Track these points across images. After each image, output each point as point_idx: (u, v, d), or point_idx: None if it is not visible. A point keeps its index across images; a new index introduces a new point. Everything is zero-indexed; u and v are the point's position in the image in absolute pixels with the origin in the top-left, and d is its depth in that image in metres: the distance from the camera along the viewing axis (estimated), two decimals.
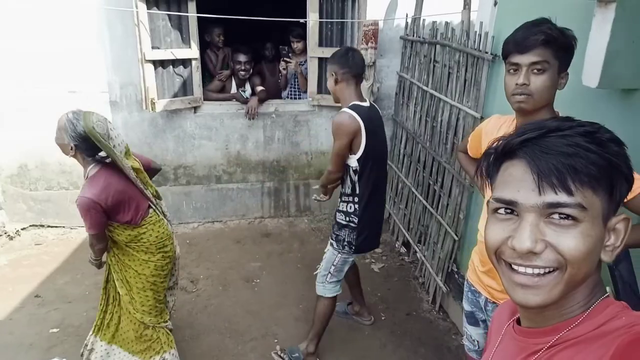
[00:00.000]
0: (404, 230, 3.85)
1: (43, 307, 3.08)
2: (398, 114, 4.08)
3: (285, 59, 4.17)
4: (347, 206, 2.43)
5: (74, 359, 2.51)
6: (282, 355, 2.67)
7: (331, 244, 2.53)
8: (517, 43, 1.45)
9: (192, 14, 3.68)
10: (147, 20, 3.47)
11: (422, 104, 3.50)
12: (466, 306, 1.93)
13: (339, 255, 2.50)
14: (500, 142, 0.70)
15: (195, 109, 4.01)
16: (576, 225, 0.63)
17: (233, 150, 4.17)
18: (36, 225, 4.08)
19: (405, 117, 3.89)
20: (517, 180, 0.66)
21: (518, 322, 0.78)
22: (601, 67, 1.56)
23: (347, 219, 2.43)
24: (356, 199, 2.41)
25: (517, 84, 1.45)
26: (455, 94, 2.96)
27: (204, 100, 4.03)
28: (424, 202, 3.44)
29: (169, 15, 3.59)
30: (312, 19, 3.83)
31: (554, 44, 1.40)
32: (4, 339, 2.78)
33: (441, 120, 3.16)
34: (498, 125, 1.71)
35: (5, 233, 3.93)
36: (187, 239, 4.03)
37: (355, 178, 2.38)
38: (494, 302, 1.73)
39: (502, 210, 0.68)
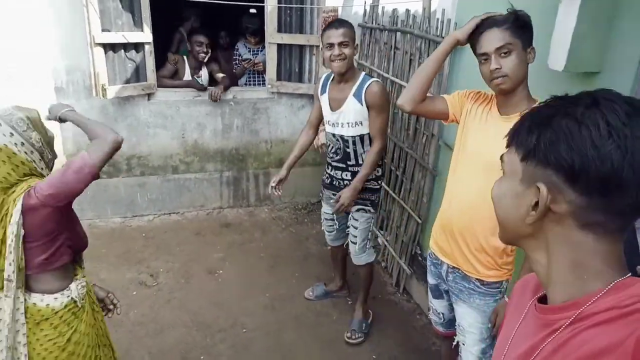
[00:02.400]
0: None
1: None
2: None
3: (252, 64, 4.19)
4: (375, 172, 2.51)
5: None
6: (356, 337, 2.73)
7: (366, 211, 2.58)
8: (477, 39, 1.62)
9: None
10: (97, 1, 3.27)
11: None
12: (430, 280, 2.01)
13: (373, 218, 2.67)
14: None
15: (149, 95, 3.84)
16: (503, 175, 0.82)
17: (190, 139, 4.04)
18: None
19: None
20: None
21: (539, 300, 0.77)
22: (567, 51, 1.63)
23: (378, 182, 2.58)
24: (380, 162, 2.53)
25: (491, 70, 1.57)
26: None
27: (158, 87, 3.86)
28: (386, 187, 3.49)
29: None
30: (271, 4, 3.76)
31: (509, 26, 1.54)
32: None
33: None
34: (474, 98, 1.79)
35: None
36: (143, 232, 3.87)
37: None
38: (454, 269, 1.82)
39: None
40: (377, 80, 2.41)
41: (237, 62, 4.41)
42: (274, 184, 2.65)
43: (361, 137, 2.44)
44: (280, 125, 4.19)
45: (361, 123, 2.41)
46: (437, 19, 2.76)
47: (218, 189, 4.25)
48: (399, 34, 3.27)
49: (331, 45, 2.28)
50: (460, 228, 1.75)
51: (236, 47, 4.45)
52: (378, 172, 2.54)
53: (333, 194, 2.59)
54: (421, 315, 3.00)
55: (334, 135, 2.50)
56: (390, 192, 3.42)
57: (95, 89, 3.45)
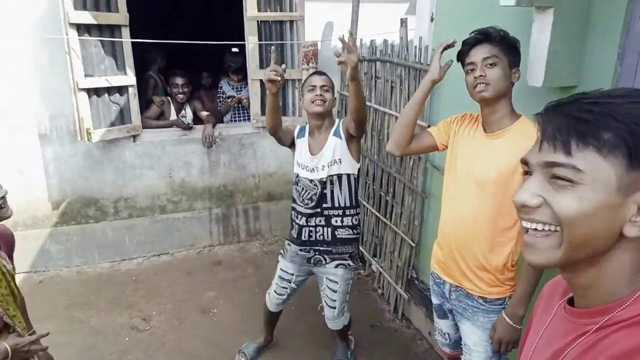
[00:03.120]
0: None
1: None
2: None
3: (237, 101, 4.28)
4: (352, 219, 2.37)
5: None
6: None
7: (346, 266, 2.40)
8: (467, 46, 1.68)
9: (126, 39, 3.56)
10: (79, 47, 3.30)
11: (367, 119, 3.60)
12: (434, 299, 2.01)
13: (353, 278, 2.49)
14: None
15: (135, 137, 3.84)
16: (573, 186, 0.63)
17: (177, 178, 4.02)
18: None
19: None
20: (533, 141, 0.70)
21: (569, 302, 0.76)
22: (544, 68, 1.71)
23: (355, 231, 2.41)
24: (358, 210, 2.42)
25: (475, 77, 1.64)
26: (400, 106, 3.08)
27: (143, 128, 3.87)
28: (377, 213, 3.50)
29: (101, 41, 3.44)
30: (252, 42, 3.85)
31: (500, 41, 1.63)
32: None
33: (387, 133, 3.27)
34: (460, 121, 1.86)
35: None
36: (133, 275, 3.78)
37: (356, 186, 2.39)
38: (457, 288, 1.82)
39: (523, 172, 0.72)
40: None
41: (221, 99, 4.46)
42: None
43: (339, 176, 2.31)
44: (267, 159, 4.21)
45: (340, 161, 2.30)
46: (415, 47, 2.85)
47: (207, 227, 4.21)
48: (378, 63, 3.37)
49: (313, 88, 2.27)
50: (459, 247, 1.76)
51: (220, 85, 4.52)
52: (355, 220, 2.39)
53: (301, 250, 2.42)
54: (422, 340, 2.96)
55: (311, 181, 2.33)
56: (382, 217, 3.43)
57: (79, 134, 3.45)
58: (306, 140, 2.38)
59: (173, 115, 4.07)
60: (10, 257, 1.77)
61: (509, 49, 1.63)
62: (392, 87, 3.19)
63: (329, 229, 2.35)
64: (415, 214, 2.98)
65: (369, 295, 3.51)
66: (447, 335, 2.02)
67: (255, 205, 4.28)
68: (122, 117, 3.71)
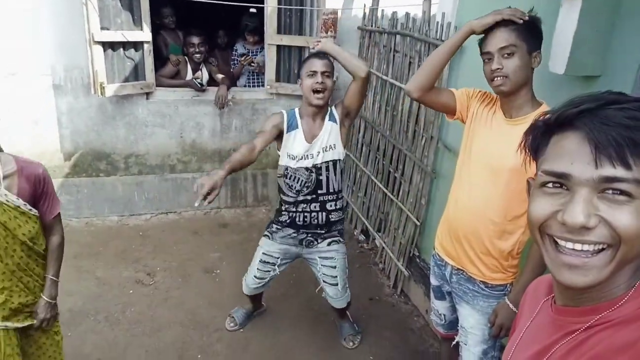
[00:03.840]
0: (363, 219, 3.91)
1: None
2: None
3: (249, 61, 4.17)
4: (341, 202, 2.43)
5: None
6: (355, 340, 2.72)
7: (338, 242, 2.47)
8: (484, 38, 1.62)
9: None
10: None
11: (382, 93, 3.56)
12: (433, 281, 2.02)
13: (345, 246, 2.54)
14: (551, 114, 0.67)
15: (148, 94, 3.83)
16: (631, 201, 0.60)
17: (188, 139, 4.04)
18: None
19: (364, 106, 3.93)
20: (571, 153, 0.63)
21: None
22: (568, 55, 1.65)
23: (343, 213, 2.47)
24: (342, 194, 2.44)
25: (492, 70, 1.58)
26: None
27: (157, 86, 3.86)
28: (384, 189, 3.50)
29: None
30: (271, 5, 3.77)
31: (517, 27, 1.55)
32: None
33: (402, 109, 3.23)
34: (481, 99, 1.79)
35: None
36: (141, 230, 3.86)
37: (341, 172, 2.38)
38: (458, 271, 1.82)
39: (550, 184, 0.65)
40: None
41: (235, 62, 4.41)
42: (204, 192, 1.96)
43: (333, 162, 2.30)
44: None
45: (334, 147, 2.29)
46: (437, 23, 2.78)
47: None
48: (398, 36, 3.29)
49: (314, 73, 2.16)
50: (465, 231, 1.75)
51: (234, 48, 4.46)
52: (343, 202, 2.49)
53: (293, 232, 2.39)
54: (419, 317, 3.01)
55: (307, 169, 2.27)
56: (389, 193, 3.43)
57: (93, 87, 3.45)
58: (300, 130, 2.28)
59: (189, 76, 4.04)
60: (37, 196, 1.71)
61: (529, 31, 1.56)
62: (410, 62, 3.13)
63: (324, 214, 2.36)
64: (423, 193, 2.98)
65: (369, 268, 3.55)
66: (442, 316, 2.04)
67: (264, 172, 4.30)
68: (136, 73, 3.70)
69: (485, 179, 1.68)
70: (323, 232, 2.40)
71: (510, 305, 1.66)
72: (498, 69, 1.56)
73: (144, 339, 2.66)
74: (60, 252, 1.83)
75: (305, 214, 2.35)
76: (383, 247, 3.50)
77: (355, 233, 4.01)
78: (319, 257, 2.45)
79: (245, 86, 4.36)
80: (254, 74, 4.37)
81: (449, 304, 1.99)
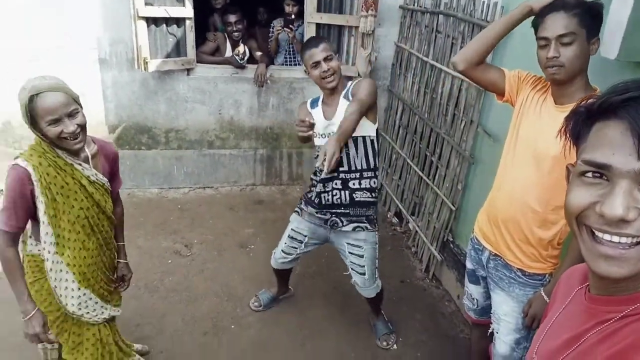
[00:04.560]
0: (396, 201, 3.89)
1: None
2: (394, 85, 4.06)
3: (286, 26, 4.07)
4: (370, 182, 2.29)
5: None
6: (390, 340, 2.64)
7: (364, 228, 2.34)
8: (541, 19, 1.53)
9: None
10: None
11: (422, 75, 3.49)
12: (468, 264, 2.01)
13: (377, 236, 2.42)
14: (594, 99, 0.65)
15: (189, 71, 3.90)
16: None
17: (226, 116, 4.10)
18: None
19: (402, 88, 3.87)
20: (613, 143, 0.61)
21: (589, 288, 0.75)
22: (621, 40, 1.57)
23: (373, 194, 2.32)
24: (376, 173, 2.31)
25: (547, 57, 1.51)
26: None
27: (197, 62, 3.92)
28: (420, 173, 3.47)
29: None
30: None
31: (578, 13, 1.46)
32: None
33: (442, 92, 3.16)
34: (533, 84, 1.72)
35: None
36: (179, 204, 3.98)
37: (375, 148, 2.27)
38: (496, 256, 1.80)
39: (590, 174, 0.63)
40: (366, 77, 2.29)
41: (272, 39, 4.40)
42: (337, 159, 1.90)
43: (354, 139, 2.21)
44: None
45: None
46: (483, 2, 2.68)
47: (252, 166, 4.31)
48: (441, 16, 3.21)
49: (317, 64, 2.14)
50: (505, 218, 1.72)
51: (272, 25, 4.43)
52: (373, 183, 2.29)
53: (317, 212, 2.35)
54: (450, 302, 3.00)
55: None
56: (425, 177, 3.40)
57: (137, 62, 3.53)
58: (320, 109, 2.29)
59: (228, 52, 4.08)
60: (112, 171, 1.86)
61: (590, 17, 1.47)
62: (452, 43, 3.05)
63: (347, 192, 2.27)
64: (460, 178, 2.93)
65: (402, 252, 3.56)
66: (475, 301, 2.03)
67: (299, 151, 4.32)
68: (178, 49, 3.76)
69: (528, 166, 1.63)
70: (348, 212, 2.30)
71: (545, 297, 1.64)
72: (554, 57, 1.49)
73: (180, 307, 2.78)
74: (123, 220, 2.08)
75: (327, 192, 2.29)
76: (416, 231, 3.49)
77: (388, 215, 4.01)
78: (347, 244, 2.39)
79: (282, 64, 4.36)
80: (292, 53, 4.36)
81: (483, 289, 1.97)
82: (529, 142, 1.64)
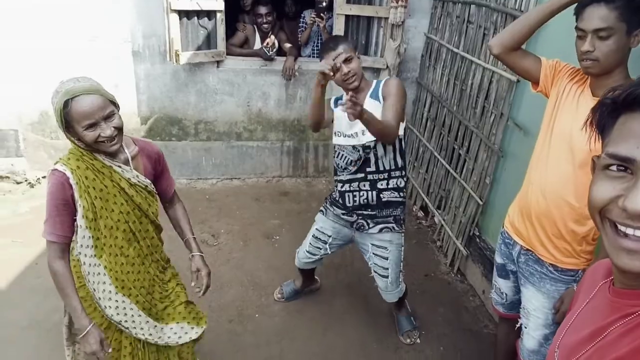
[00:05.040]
0: (422, 195, 3.86)
1: None
2: (423, 77, 4.01)
3: (317, 16, 4.06)
4: (397, 182, 2.22)
5: None
6: (414, 336, 2.61)
7: (391, 229, 2.28)
8: (581, 9, 1.48)
9: None
10: None
11: (451, 66, 3.44)
12: (498, 259, 1.98)
13: (403, 237, 2.35)
14: (620, 91, 0.64)
15: (218, 63, 3.95)
16: None
17: (254, 108, 4.14)
18: None
19: (431, 80, 3.82)
20: (637, 136, 0.60)
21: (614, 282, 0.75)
22: None
23: (401, 194, 2.25)
24: (404, 172, 2.25)
25: (582, 51, 1.47)
26: (489, 57, 2.89)
27: (227, 54, 3.97)
28: (447, 166, 3.42)
29: None
30: None
31: (620, 6, 1.40)
32: (31, 282, 2.85)
33: (472, 84, 3.11)
34: (571, 75, 1.67)
35: (26, 180, 3.96)
36: (207, 194, 4.06)
37: (403, 148, 2.21)
38: (527, 251, 1.77)
39: (614, 167, 0.62)
40: (394, 77, 2.23)
41: (302, 29, 4.41)
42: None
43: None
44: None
45: None
46: None
47: (278, 158, 4.35)
48: (473, 6, 3.14)
49: (337, 68, 2.05)
50: (538, 212, 1.68)
51: (302, 16, 4.45)
52: (400, 183, 2.23)
53: (343, 214, 2.30)
54: (474, 297, 2.96)
55: (354, 147, 2.17)
56: (452, 170, 3.35)
57: (169, 54, 3.61)
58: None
59: (257, 45, 4.11)
60: (156, 174, 1.77)
61: (633, 9, 1.40)
62: (484, 34, 2.99)
63: (374, 192, 2.21)
64: (488, 171, 2.88)
65: (427, 245, 3.53)
66: (504, 295, 2.00)
67: (325, 143, 4.33)
68: (209, 42, 3.82)
69: (564, 160, 1.59)
70: (375, 213, 2.25)
71: None
72: (589, 51, 1.45)
73: (207, 295, 2.80)
74: (188, 216, 1.96)
75: (354, 193, 2.23)
76: (442, 225, 3.45)
77: (414, 209, 3.98)
78: (372, 244, 2.33)
79: (309, 56, 4.37)
80: (320, 45, 4.36)
81: (513, 283, 1.94)
82: (565, 135, 1.59)
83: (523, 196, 1.80)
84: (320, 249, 2.48)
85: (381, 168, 2.20)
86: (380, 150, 2.16)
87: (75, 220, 1.54)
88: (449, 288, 3.07)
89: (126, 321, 1.68)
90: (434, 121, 3.72)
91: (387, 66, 3.89)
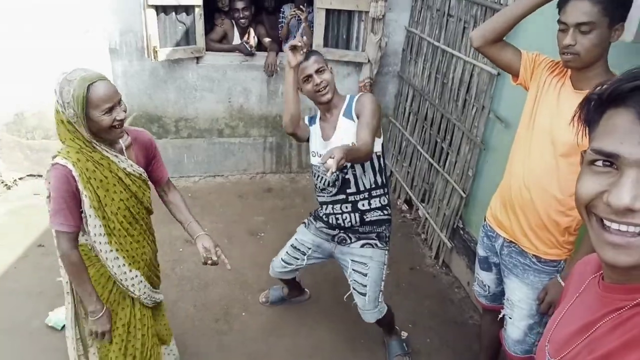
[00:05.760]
0: (406, 188, 3.88)
1: (47, 256, 3.06)
2: (404, 71, 4.01)
3: (297, 8, 4.01)
4: (380, 200, 2.13)
5: None
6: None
7: (373, 245, 2.18)
8: (564, 2, 1.48)
9: None
10: None
11: (432, 60, 3.45)
12: (480, 251, 1.99)
13: (386, 256, 2.25)
14: (606, 86, 0.64)
15: (198, 59, 3.89)
16: None
17: (236, 104, 4.10)
18: (33, 175, 4.00)
19: (413, 73, 3.83)
20: (622, 132, 0.60)
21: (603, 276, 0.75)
22: (638, 22, 1.54)
23: (385, 212, 2.17)
24: (386, 189, 2.15)
25: (564, 45, 1.48)
26: (470, 50, 2.91)
27: (207, 50, 3.91)
28: (430, 159, 3.44)
29: None
30: None
31: (601, 2, 1.41)
32: (10, 286, 2.78)
33: (453, 77, 3.12)
34: (550, 68, 1.67)
35: (2, 182, 3.86)
36: (189, 192, 4.01)
37: (382, 164, 2.12)
38: (510, 243, 1.79)
39: (599, 163, 0.63)
40: (367, 92, 2.18)
41: (282, 25, 4.36)
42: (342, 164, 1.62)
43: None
44: None
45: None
46: None
47: (261, 154, 4.32)
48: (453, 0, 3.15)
49: (309, 77, 2.00)
50: (522, 204, 1.70)
51: (282, 10, 4.40)
52: (383, 201, 2.14)
53: (327, 228, 2.23)
54: (459, 289, 3.00)
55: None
56: (435, 164, 3.37)
57: (147, 51, 3.54)
58: (318, 126, 2.15)
59: (236, 39, 4.06)
60: (148, 162, 1.80)
61: (615, 4, 1.41)
62: (464, 27, 3.00)
63: (357, 214, 2.12)
64: (471, 164, 2.91)
65: (411, 238, 3.55)
66: (487, 287, 2.02)
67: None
68: (187, 37, 3.75)
69: (546, 152, 1.60)
70: (358, 229, 2.16)
71: (561, 282, 1.63)
72: (570, 45, 1.46)
73: (192, 294, 2.81)
74: (186, 202, 1.99)
75: (337, 215, 2.14)
76: (426, 218, 3.47)
77: (398, 203, 4.00)
78: (351, 260, 2.23)
79: None
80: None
81: (495, 275, 1.97)
82: (547, 127, 1.61)
83: (505, 188, 1.81)
84: (298, 259, 2.41)
85: (361, 188, 2.10)
86: (358, 169, 2.07)
87: (81, 211, 1.60)
88: (434, 280, 3.10)
89: (140, 289, 1.81)
90: (416, 115, 3.73)
91: (369, 60, 3.88)
